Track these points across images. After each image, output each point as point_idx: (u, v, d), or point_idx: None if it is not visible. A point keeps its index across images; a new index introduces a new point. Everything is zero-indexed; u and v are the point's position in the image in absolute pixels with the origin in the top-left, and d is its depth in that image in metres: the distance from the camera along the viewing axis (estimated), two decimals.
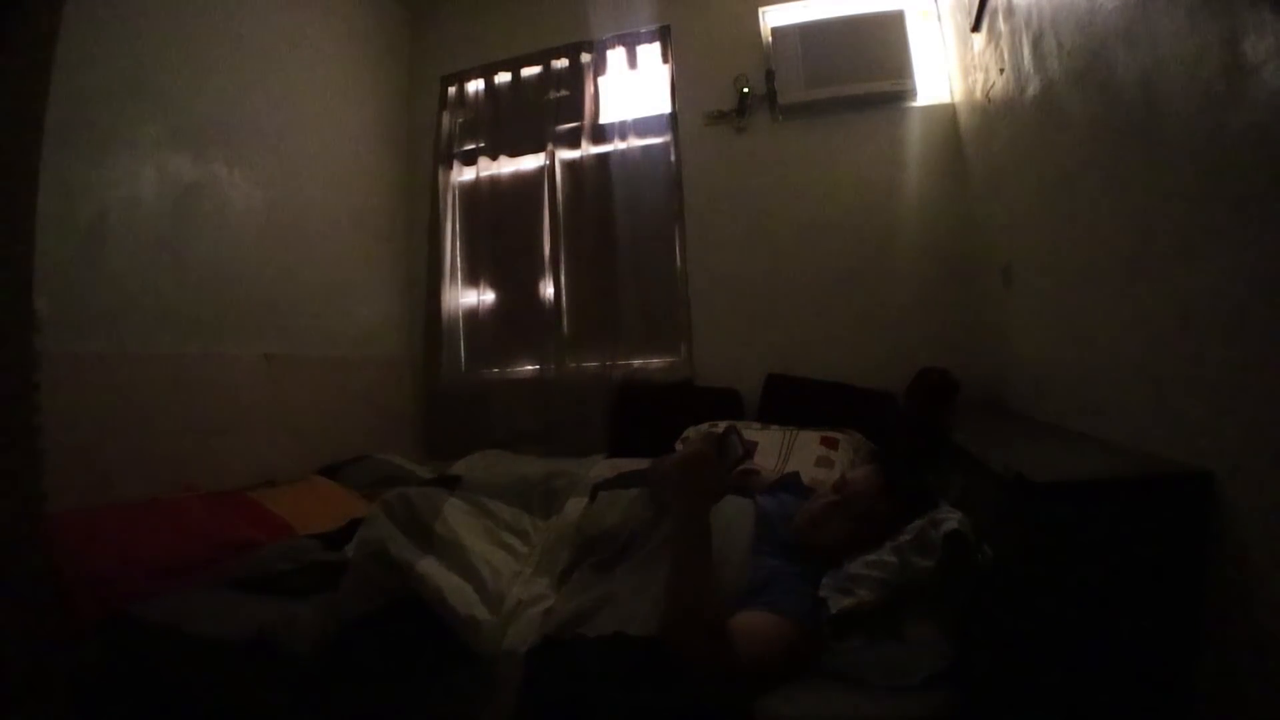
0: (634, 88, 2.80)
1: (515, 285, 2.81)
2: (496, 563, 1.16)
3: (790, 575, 1.06)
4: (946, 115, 2.39)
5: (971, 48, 2.06)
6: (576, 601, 1.05)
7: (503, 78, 2.92)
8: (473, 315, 2.88)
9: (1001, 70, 1.76)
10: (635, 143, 2.69)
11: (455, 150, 2.96)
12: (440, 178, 2.93)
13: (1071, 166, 1.37)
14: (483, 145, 2.91)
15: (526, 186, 2.83)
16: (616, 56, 2.80)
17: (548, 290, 2.75)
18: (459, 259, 2.92)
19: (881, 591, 0.98)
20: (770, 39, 2.56)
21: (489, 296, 2.86)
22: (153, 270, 1.74)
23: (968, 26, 2.03)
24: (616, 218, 2.65)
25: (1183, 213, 0.96)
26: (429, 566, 1.04)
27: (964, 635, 0.97)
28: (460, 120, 2.99)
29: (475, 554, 1.13)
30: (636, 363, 2.61)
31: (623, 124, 2.71)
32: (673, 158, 2.66)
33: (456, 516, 1.20)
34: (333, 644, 1.01)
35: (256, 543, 1.49)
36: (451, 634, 0.99)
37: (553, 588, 1.15)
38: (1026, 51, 1.56)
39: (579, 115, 2.76)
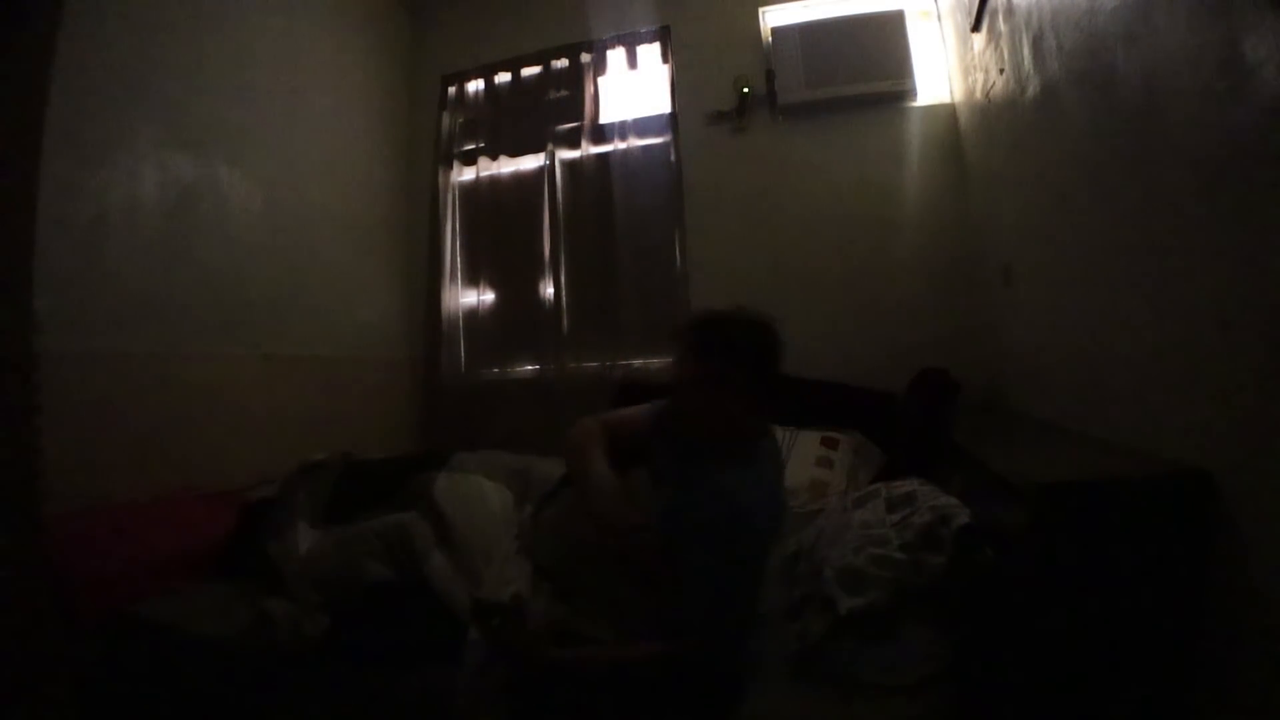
0: (634, 88, 2.81)
1: (515, 285, 2.81)
2: (488, 545, 1.21)
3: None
4: (946, 115, 2.39)
5: (971, 48, 2.06)
6: (554, 616, 1.05)
7: (503, 78, 2.92)
8: (473, 315, 2.88)
9: (1001, 70, 1.76)
10: (635, 143, 2.69)
11: (455, 150, 2.96)
12: (440, 178, 2.93)
13: (1072, 166, 1.37)
14: (483, 145, 2.91)
15: (526, 186, 2.83)
16: (616, 56, 2.80)
17: (548, 290, 2.75)
18: (459, 259, 2.91)
19: (892, 590, 0.98)
20: (770, 39, 2.56)
21: (489, 296, 2.86)
22: (152, 270, 1.74)
23: (968, 26, 2.03)
24: (616, 218, 2.65)
25: (1183, 212, 0.95)
26: (440, 560, 1.14)
27: (961, 635, 0.97)
28: (460, 120, 2.99)
29: (473, 538, 1.19)
30: (637, 363, 2.61)
31: (623, 124, 2.71)
32: (673, 158, 2.66)
33: (448, 497, 1.26)
34: (333, 624, 1.07)
35: None
36: (450, 617, 1.06)
37: (528, 578, 1.15)
38: (1026, 51, 1.56)
39: (579, 115, 2.76)
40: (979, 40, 1.97)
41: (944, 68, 2.43)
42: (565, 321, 2.72)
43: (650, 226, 2.64)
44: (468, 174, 2.94)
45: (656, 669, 0.92)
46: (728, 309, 1.15)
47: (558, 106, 2.81)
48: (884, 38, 2.41)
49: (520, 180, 2.86)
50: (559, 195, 2.78)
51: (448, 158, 2.95)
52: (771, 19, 2.61)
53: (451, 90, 3.00)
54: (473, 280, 2.89)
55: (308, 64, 2.41)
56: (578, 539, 1.12)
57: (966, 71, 2.18)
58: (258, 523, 1.42)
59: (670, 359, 1.20)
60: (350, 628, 1.07)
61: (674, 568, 0.99)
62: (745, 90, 2.54)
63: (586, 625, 1.00)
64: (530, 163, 2.85)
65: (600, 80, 2.80)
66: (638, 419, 1.26)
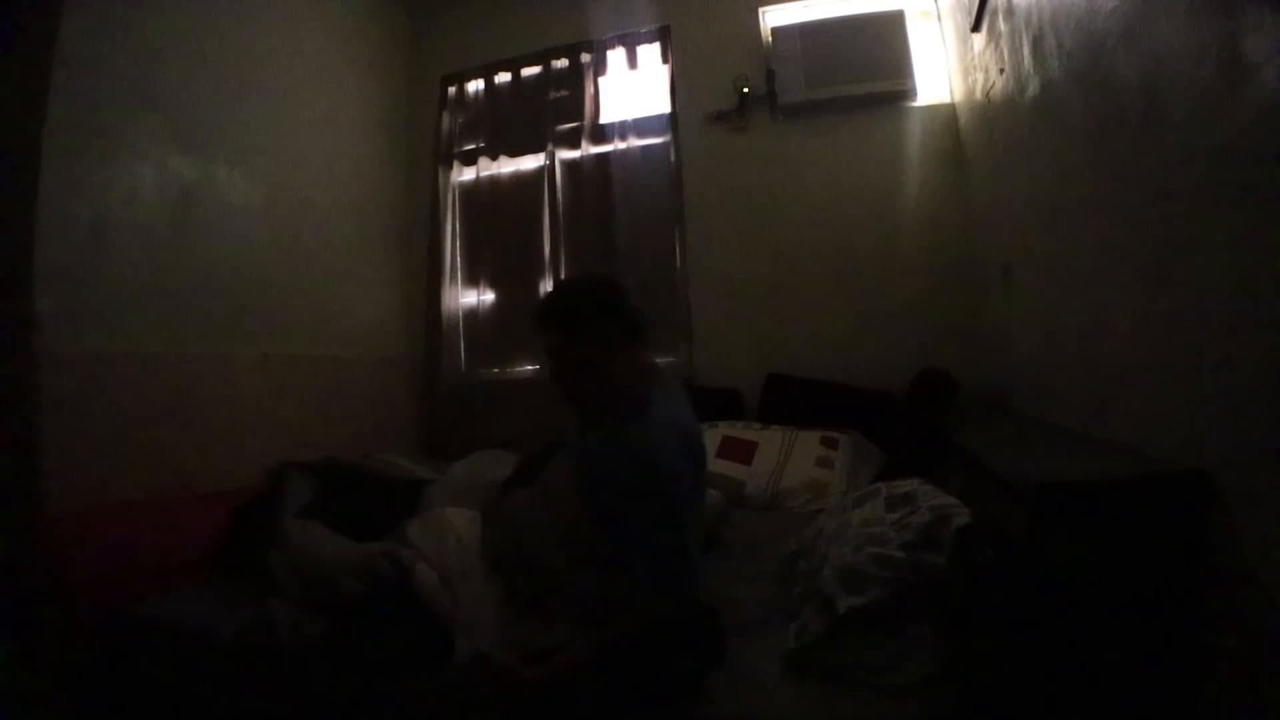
0: (634, 88, 2.80)
1: (515, 285, 2.81)
2: (464, 569, 1.20)
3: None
4: (946, 115, 2.39)
5: (971, 48, 2.06)
6: (525, 635, 1.07)
7: (503, 78, 2.92)
8: (473, 315, 2.88)
9: (1001, 70, 1.76)
10: (635, 143, 2.69)
11: (455, 150, 2.96)
12: (440, 178, 2.93)
13: (1071, 166, 1.37)
14: (483, 145, 2.91)
15: (526, 186, 2.83)
16: (616, 56, 2.80)
17: (548, 290, 2.75)
18: (459, 259, 2.92)
19: (892, 590, 0.97)
20: (770, 39, 2.56)
21: (489, 296, 2.86)
22: (152, 270, 1.74)
23: (968, 26, 2.03)
24: (616, 218, 2.65)
25: (1182, 212, 0.95)
26: (425, 572, 1.15)
27: (961, 635, 0.97)
28: (460, 120, 2.99)
29: (449, 565, 1.18)
30: None
31: (623, 124, 2.71)
32: (673, 158, 2.66)
33: (422, 540, 1.25)
34: (325, 632, 1.08)
35: None
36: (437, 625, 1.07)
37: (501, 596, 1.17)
38: (1026, 51, 1.56)
39: (579, 115, 2.76)
40: (979, 40, 1.97)
41: (944, 68, 2.43)
42: None
43: (650, 226, 2.64)
44: (468, 174, 2.94)
45: (628, 646, 0.94)
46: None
47: (558, 106, 2.81)
48: (884, 38, 2.41)
49: (520, 180, 2.86)
50: (559, 195, 2.78)
51: (448, 158, 2.95)
52: (771, 19, 2.60)
53: (451, 90, 3.00)
54: (473, 280, 2.89)
55: (308, 64, 2.41)
56: (513, 541, 1.17)
57: (966, 71, 2.18)
58: (249, 521, 1.43)
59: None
60: (347, 630, 1.08)
61: (596, 528, 1.04)
62: (745, 90, 2.54)
63: (562, 632, 1.01)
64: (530, 163, 2.85)
65: (600, 80, 2.79)
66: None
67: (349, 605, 1.13)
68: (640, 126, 2.70)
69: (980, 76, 1.99)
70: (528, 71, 2.88)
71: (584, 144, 2.73)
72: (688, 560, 1.01)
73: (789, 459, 2.01)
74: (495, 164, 2.87)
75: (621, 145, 2.69)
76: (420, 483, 1.50)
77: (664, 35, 2.73)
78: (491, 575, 1.18)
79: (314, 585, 1.17)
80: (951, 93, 2.40)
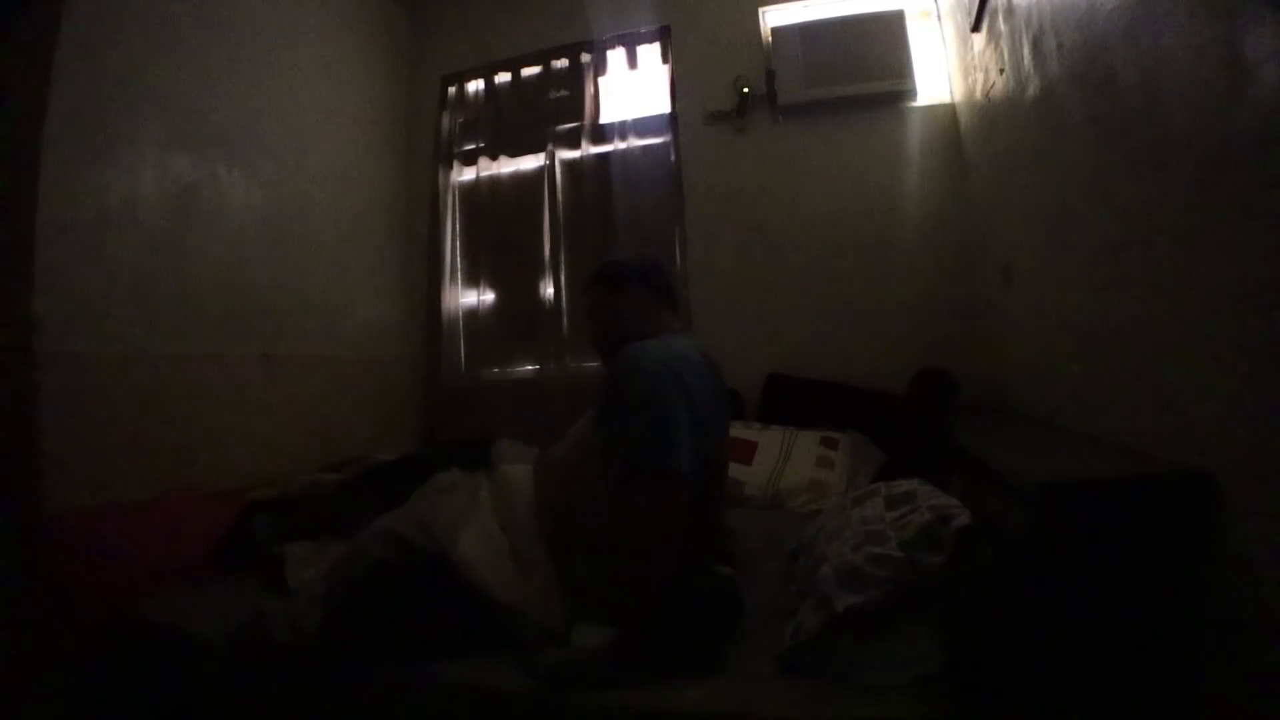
0: (634, 88, 2.81)
1: (515, 285, 2.81)
2: (521, 532, 1.16)
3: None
4: (946, 115, 2.39)
5: (971, 48, 2.06)
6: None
7: (503, 78, 2.92)
8: (473, 315, 2.88)
9: (1001, 70, 1.76)
10: (635, 143, 2.69)
11: (455, 150, 2.96)
12: (440, 178, 2.93)
13: (1071, 166, 1.37)
14: (483, 145, 2.91)
15: (526, 186, 2.83)
16: (616, 56, 2.81)
17: (548, 290, 2.75)
18: (459, 259, 2.92)
19: (890, 589, 0.97)
20: (770, 39, 2.56)
21: (489, 296, 2.86)
22: (153, 270, 1.74)
23: (968, 26, 2.03)
24: (616, 218, 2.65)
25: (1183, 212, 0.96)
26: (465, 555, 1.08)
27: (960, 635, 0.96)
28: (460, 120, 2.99)
29: (510, 523, 1.16)
30: None
31: (623, 124, 2.71)
32: (673, 158, 2.66)
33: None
34: (322, 624, 1.05)
35: None
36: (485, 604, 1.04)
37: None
38: (1026, 51, 1.56)
39: (579, 115, 2.76)
40: (979, 40, 1.97)
41: (944, 68, 2.43)
42: (565, 321, 2.72)
43: (650, 226, 2.64)
44: (468, 174, 2.94)
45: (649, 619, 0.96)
46: None
47: (558, 106, 2.81)
48: (884, 38, 2.41)
49: (520, 180, 2.86)
50: (559, 195, 2.78)
51: (448, 158, 2.95)
52: (771, 19, 2.61)
53: (451, 90, 3.00)
54: (473, 280, 2.89)
55: (308, 64, 2.41)
56: (550, 491, 1.18)
57: (966, 71, 2.18)
58: (255, 520, 1.43)
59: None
60: (352, 619, 1.05)
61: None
62: (745, 90, 2.54)
63: (592, 607, 1.02)
64: (530, 163, 2.85)
65: (600, 80, 2.80)
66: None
67: (368, 573, 1.07)
68: (640, 126, 2.70)
69: (980, 76, 1.99)
70: (528, 71, 2.88)
71: (584, 144, 2.73)
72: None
73: (789, 459, 2.00)
74: (495, 164, 2.87)
75: (621, 145, 2.69)
76: (488, 441, 1.48)
77: (664, 35, 2.73)
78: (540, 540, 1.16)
79: (338, 566, 1.13)
80: (951, 93, 2.40)
